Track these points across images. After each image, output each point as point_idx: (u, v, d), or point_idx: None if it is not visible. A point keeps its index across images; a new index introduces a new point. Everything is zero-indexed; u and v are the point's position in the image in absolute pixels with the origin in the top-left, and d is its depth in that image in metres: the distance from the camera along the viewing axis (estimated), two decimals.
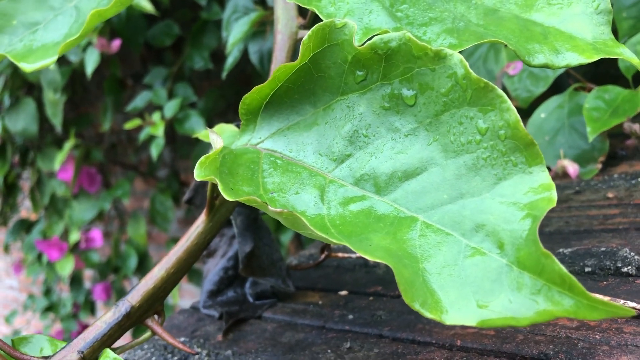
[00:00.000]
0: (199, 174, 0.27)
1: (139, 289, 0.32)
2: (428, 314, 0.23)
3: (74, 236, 1.41)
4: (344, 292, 0.43)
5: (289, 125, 0.31)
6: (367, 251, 0.24)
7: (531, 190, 0.24)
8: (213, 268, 0.46)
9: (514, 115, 0.25)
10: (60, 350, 0.30)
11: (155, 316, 0.32)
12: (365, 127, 0.29)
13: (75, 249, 1.45)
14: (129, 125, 1.04)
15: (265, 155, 0.31)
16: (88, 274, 1.87)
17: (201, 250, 0.34)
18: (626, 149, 0.59)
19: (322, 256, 0.42)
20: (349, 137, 0.29)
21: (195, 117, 1.11)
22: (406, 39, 0.27)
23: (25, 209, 2.10)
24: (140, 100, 1.14)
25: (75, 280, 1.61)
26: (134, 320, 0.31)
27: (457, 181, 0.26)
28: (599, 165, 0.55)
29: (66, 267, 1.38)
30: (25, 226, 1.70)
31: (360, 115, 0.29)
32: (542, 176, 0.24)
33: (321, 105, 0.31)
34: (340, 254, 0.43)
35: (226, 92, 1.34)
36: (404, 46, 0.27)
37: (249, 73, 1.19)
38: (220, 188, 0.26)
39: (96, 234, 1.44)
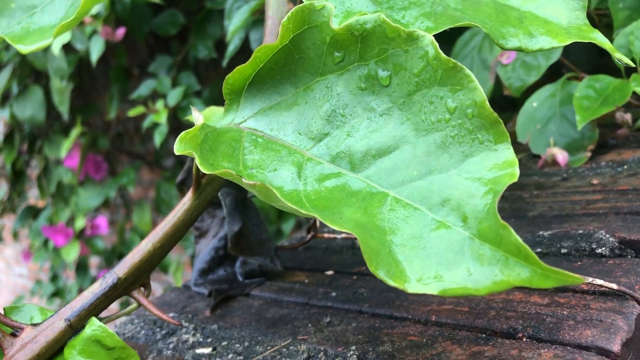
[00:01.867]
0: (178, 148, 0.28)
1: (126, 262, 0.33)
2: (392, 282, 0.24)
3: (80, 223, 1.43)
4: (330, 272, 0.44)
5: (271, 105, 0.32)
6: (337, 223, 0.25)
7: (495, 167, 0.25)
8: (204, 248, 0.47)
9: (481, 94, 0.26)
10: (48, 318, 0.31)
11: (142, 288, 0.34)
12: (342, 107, 0.30)
13: (80, 235, 1.47)
14: (133, 112, 1.06)
15: (247, 134, 0.32)
16: (94, 262, 1.89)
17: (188, 226, 0.35)
18: (617, 138, 0.59)
19: (309, 236, 0.43)
20: (327, 116, 0.30)
21: (198, 105, 1.12)
22: (380, 21, 0.28)
23: (34, 198, 2.13)
24: (144, 88, 1.16)
25: (81, 267, 1.64)
26: (120, 292, 0.33)
27: (427, 158, 0.27)
28: (588, 154, 0.56)
29: (71, 253, 1.40)
30: (33, 213, 1.72)
31: (338, 96, 0.30)
32: (506, 153, 0.25)
33: (301, 86, 0.32)
34: (326, 235, 0.44)
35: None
36: (379, 28, 0.28)
37: None
38: (197, 162, 0.27)
39: (101, 221, 1.46)
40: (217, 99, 1.33)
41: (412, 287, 0.24)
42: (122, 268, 0.33)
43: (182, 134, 0.28)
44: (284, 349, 0.33)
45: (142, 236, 1.46)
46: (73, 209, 1.49)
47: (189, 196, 0.36)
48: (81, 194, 1.45)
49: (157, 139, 1.05)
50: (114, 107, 1.39)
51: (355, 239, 0.50)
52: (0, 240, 2.23)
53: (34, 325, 0.31)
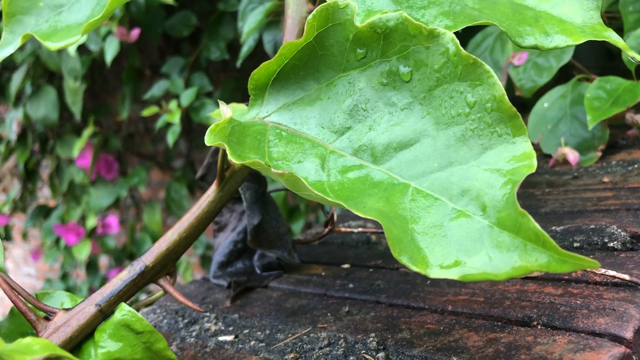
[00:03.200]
0: (209, 139, 0.29)
1: (153, 251, 0.34)
2: (414, 267, 0.25)
3: (91, 222, 1.45)
4: (346, 265, 0.45)
5: (294, 100, 0.34)
6: (361, 211, 0.26)
7: (513, 159, 0.26)
8: (223, 241, 0.48)
9: (500, 89, 0.27)
10: (79, 303, 0.32)
11: (168, 277, 0.35)
12: (364, 102, 0.31)
13: (92, 234, 1.48)
14: (147, 112, 1.07)
15: (272, 128, 0.33)
16: (103, 262, 1.91)
17: (211, 218, 0.37)
18: (627, 138, 0.60)
19: (326, 230, 0.45)
20: (349, 111, 0.32)
21: (210, 105, 1.13)
22: (403, 19, 0.29)
23: (44, 198, 2.15)
24: (157, 88, 1.17)
25: (91, 266, 1.65)
26: (147, 279, 0.34)
27: (447, 151, 0.28)
28: (599, 154, 0.57)
29: (83, 251, 1.41)
30: (44, 212, 1.74)
31: (360, 91, 0.31)
32: (524, 145, 0.26)
33: (324, 82, 0.33)
34: (343, 229, 0.46)
35: (242, 83, 1.37)
36: (401, 25, 0.29)
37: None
38: (228, 152, 0.28)
39: (112, 220, 1.48)
40: (227, 100, 1.34)
41: (434, 273, 0.25)
42: (149, 256, 0.34)
43: (212, 126, 0.29)
44: (305, 337, 0.34)
45: (153, 235, 1.47)
46: (84, 208, 1.50)
47: (212, 189, 0.37)
48: (92, 193, 1.47)
49: (170, 138, 1.07)
50: (126, 108, 1.40)
51: (370, 234, 0.51)
52: (9, 240, 2.25)
53: (66, 310, 0.32)
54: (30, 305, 0.32)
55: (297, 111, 0.33)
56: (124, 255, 1.57)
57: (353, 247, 0.49)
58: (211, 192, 0.37)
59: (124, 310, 0.31)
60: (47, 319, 0.32)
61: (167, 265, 0.35)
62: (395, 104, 0.30)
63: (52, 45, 0.42)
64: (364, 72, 0.31)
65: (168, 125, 1.10)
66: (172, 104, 1.09)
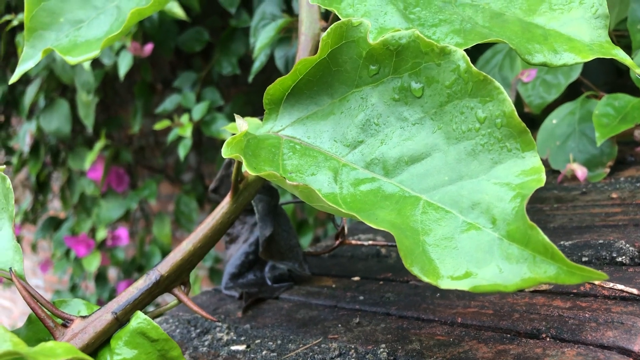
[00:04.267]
0: (226, 152, 0.30)
1: (168, 260, 0.35)
2: (425, 278, 0.25)
3: (101, 234, 1.46)
4: (356, 278, 0.46)
5: (308, 114, 0.34)
6: (373, 222, 0.27)
7: (523, 173, 0.27)
8: (235, 253, 0.49)
9: (510, 105, 0.28)
10: (96, 311, 0.33)
11: (182, 286, 0.36)
12: (376, 117, 0.32)
13: (101, 246, 1.49)
14: (159, 125, 1.08)
15: (286, 141, 0.34)
16: (111, 275, 1.92)
17: (225, 229, 0.37)
18: (635, 155, 0.61)
19: (337, 242, 0.45)
20: (361, 125, 0.32)
21: (221, 120, 1.15)
22: (415, 36, 0.30)
23: (53, 210, 2.17)
24: (169, 102, 1.19)
25: (100, 278, 1.66)
26: (162, 288, 0.35)
27: (458, 165, 0.29)
28: (607, 170, 0.57)
29: (93, 263, 1.43)
30: (55, 224, 1.75)
31: (373, 106, 0.32)
32: (533, 160, 0.27)
33: (337, 97, 0.34)
34: (353, 241, 0.46)
35: (252, 98, 1.38)
36: (413, 43, 0.30)
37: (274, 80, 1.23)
38: (244, 164, 0.29)
39: (122, 232, 1.49)
40: (238, 114, 1.36)
41: (445, 284, 0.25)
42: (165, 266, 0.35)
43: (229, 139, 0.30)
44: (316, 347, 0.35)
45: (162, 248, 1.48)
46: (94, 220, 1.52)
47: (226, 201, 0.38)
48: (103, 206, 1.48)
49: (182, 151, 1.08)
50: (138, 121, 1.42)
51: (380, 247, 0.52)
52: None
53: (83, 317, 0.33)
54: (48, 312, 0.33)
55: (310, 125, 0.34)
56: (133, 267, 1.58)
57: (363, 260, 0.50)
58: (225, 203, 0.38)
59: (139, 318, 0.32)
60: (64, 325, 0.32)
61: (181, 275, 0.35)
62: (407, 119, 0.31)
63: (72, 59, 0.43)
64: (377, 87, 0.32)
65: (179, 138, 1.12)
66: (184, 118, 1.10)
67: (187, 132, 1.06)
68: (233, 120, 1.33)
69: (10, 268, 0.33)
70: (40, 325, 0.34)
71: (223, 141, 1.29)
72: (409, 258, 0.26)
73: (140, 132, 1.71)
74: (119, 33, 0.43)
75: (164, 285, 0.35)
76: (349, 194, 0.30)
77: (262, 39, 0.82)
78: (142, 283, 0.34)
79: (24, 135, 1.59)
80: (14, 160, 1.73)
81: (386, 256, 0.50)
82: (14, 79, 0.45)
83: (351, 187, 0.31)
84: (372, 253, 0.51)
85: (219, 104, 1.18)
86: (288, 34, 0.89)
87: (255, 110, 1.36)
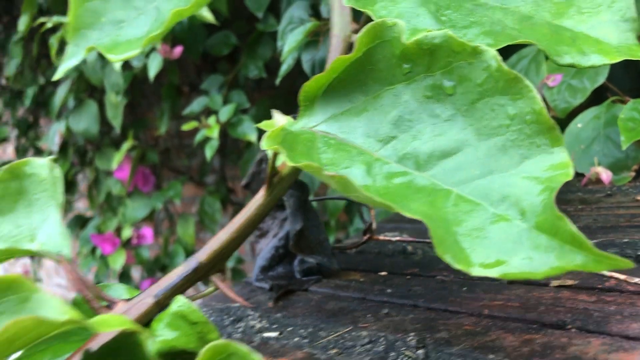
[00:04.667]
0: (266, 144, 0.31)
1: (207, 249, 0.37)
2: (457, 265, 0.27)
3: (127, 232, 1.49)
4: (383, 273, 0.47)
5: (342, 111, 0.36)
6: (407, 211, 0.28)
7: (551, 167, 0.28)
8: (265, 247, 0.50)
9: (539, 103, 0.29)
10: (137, 295, 0.35)
11: (219, 274, 0.37)
12: (409, 113, 0.33)
13: (127, 244, 1.52)
14: (187, 126, 1.11)
15: (320, 136, 0.35)
16: (135, 275, 1.95)
17: (259, 220, 0.39)
18: None
19: (365, 237, 0.47)
20: (394, 121, 0.34)
21: (247, 122, 1.17)
22: (448, 36, 0.31)
23: (78, 209, 2.21)
24: (197, 104, 1.21)
25: (124, 276, 1.69)
26: (200, 275, 0.36)
27: (488, 160, 0.30)
28: (632, 173, 0.58)
29: (118, 260, 1.45)
30: (81, 222, 1.79)
31: (405, 103, 0.34)
32: (561, 155, 0.28)
33: (371, 94, 0.35)
34: (381, 237, 0.47)
35: (276, 102, 1.40)
36: (446, 43, 0.32)
37: (299, 85, 1.25)
38: (284, 155, 0.31)
39: (147, 231, 1.52)
40: (262, 117, 1.38)
41: (476, 271, 0.26)
42: (203, 254, 0.37)
43: (269, 132, 0.32)
44: (346, 335, 0.36)
45: (186, 248, 1.51)
46: (120, 219, 1.55)
47: (261, 194, 0.39)
48: (129, 205, 1.51)
49: (208, 152, 1.10)
50: (164, 123, 1.45)
51: (407, 244, 0.53)
52: None
53: (126, 300, 0.35)
54: (92, 295, 0.34)
55: (344, 121, 0.36)
56: (157, 266, 1.61)
57: (389, 257, 0.51)
58: (259, 197, 0.39)
59: (180, 302, 0.34)
60: (108, 307, 0.34)
61: (218, 263, 0.37)
62: (438, 116, 0.32)
63: (114, 57, 0.45)
64: (409, 85, 0.33)
65: (205, 140, 1.14)
66: (211, 120, 1.12)
67: (215, 133, 1.08)
68: (259, 122, 1.35)
69: (59, 252, 0.35)
70: (84, 308, 0.36)
71: (248, 144, 1.31)
72: (441, 246, 0.27)
73: (165, 134, 1.74)
74: (159, 33, 0.45)
75: (202, 271, 0.36)
76: (382, 186, 0.32)
77: (290, 42, 0.84)
78: (182, 269, 0.36)
79: (53, 135, 1.63)
80: None
81: (413, 253, 0.51)
82: (58, 75, 0.48)
83: (384, 180, 0.32)
84: (399, 250, 0.52)
85: (245, 107, 1.21)
86: (315, 38, 0.91)
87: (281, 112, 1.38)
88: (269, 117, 0.39)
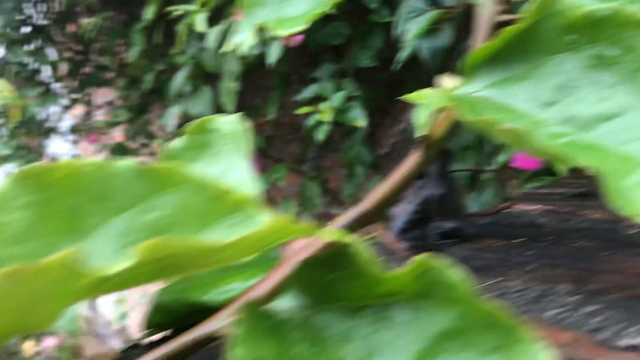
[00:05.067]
0: (433, 103, 0.35)
1: (371, 197, 0.41)
2: (625, 212, 0.30)
3: None
4: (519, 240, 0.50)
5: (503, 78, 0.39)
6: (579, 162, 0.31)
7: None
8: (402, 212, 0.54)
9: None
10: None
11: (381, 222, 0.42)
12: (570, 81, 0.36)
13: None
14: (301, 110, 1.17)
15: (482, 100, 0.39)
16: None
17: (414, 175, 0.43)
18: None
19: (503, 205, 0.50)
20: (555, 88, 0.37)
21: (357, 108, 1.21)
22: (614, 9, 0.34)
23: None
24: (309, 91, 1.27)
25: None
26: (368, 219, 0.41)
27: None
28: None
29: None
30: None
31: (567, 72, 0.37)
32: None
33: (533, 64, 0.38)
34: (519, 207, 0.50)
35: (381, 90, 1.44)
36: (614, 15, 0.34)
37: (397, 76, 1.28)
38: (461, 111, 0.34)
39: None
40: (367, 104, 1.42)
41: None
42: (367, 203, 0.41)
43: (437, 92, 0.36)
44: (494, 285, 0.40)
45: None
46: None
47: (419, 153, 0.43)
48: None
49: (321, 134, 1.16)
50: (273, 110, 1.52)
51: (539, 215, 0.55)
52: None
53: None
54: None
55: (505, 89, 0.39)
56: None
57: (521, 228, 0.54)
58: (417, 155, 0.43)
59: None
60: None
61: (381, 210, 0.41)
62: (601, 82, 0.35)
63: (282, 32, 0.51)
64: (572, 55, 0.36)
65: (318, 124, 1.20)
66: (324, 105, 1.18)
67: (328, 117, 1.14)
68: (366, 108, 1.40)
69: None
70: None
71: (345, 134, 1.36)
72: (612, 195, 0.30)
73: (272, 121, 1.81)
74: (321, 11, 0.50)
75: (369, 216, 0.41)
76: (547, 145, 0.35)
77: (413, 29, 0.87)
78: (353, 213, 0.40)
79: (169, 118, 1.75)
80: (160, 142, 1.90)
81: (543, 225, 0.53)
82: (229, 47, 0.54)
83: (548, 140, 0.35)
84: (528, 222, 0.55)
85: (355, 94, 1.25)
86: (435, 26, 0.94)
87: (385, 101, 1.42)
88: (370, 106, 0.43)
